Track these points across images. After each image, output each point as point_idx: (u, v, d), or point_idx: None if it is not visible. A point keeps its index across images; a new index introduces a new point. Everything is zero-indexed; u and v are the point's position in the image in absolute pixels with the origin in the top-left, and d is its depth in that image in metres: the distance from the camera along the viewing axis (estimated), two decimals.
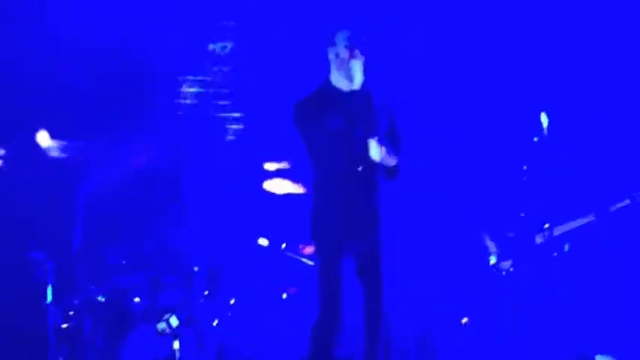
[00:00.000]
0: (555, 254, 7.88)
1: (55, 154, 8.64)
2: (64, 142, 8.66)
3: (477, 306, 8.24)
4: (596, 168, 8.29)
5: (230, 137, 9.04)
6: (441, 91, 8.78)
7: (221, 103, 9.10)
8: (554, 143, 7.90)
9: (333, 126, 6.07)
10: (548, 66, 8.63)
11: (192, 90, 9.06)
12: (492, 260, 8.14)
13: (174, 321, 7.61)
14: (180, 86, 9.03)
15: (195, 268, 8.02)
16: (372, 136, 6.03)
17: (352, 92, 6.12)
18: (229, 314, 8.03)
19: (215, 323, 7.93)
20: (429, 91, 8.76)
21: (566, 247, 7.99)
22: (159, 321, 7.65)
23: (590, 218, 7.92)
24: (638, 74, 8.51)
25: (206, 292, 8.03)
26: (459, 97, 8.77)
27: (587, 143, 8.35)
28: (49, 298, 7.67)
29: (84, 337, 7.85)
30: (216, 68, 9.09)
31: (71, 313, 7.87)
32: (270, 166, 8.71)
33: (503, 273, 8.09)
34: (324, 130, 6.07)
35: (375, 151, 6.03)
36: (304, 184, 8.20)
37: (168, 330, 7.60)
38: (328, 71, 6.25)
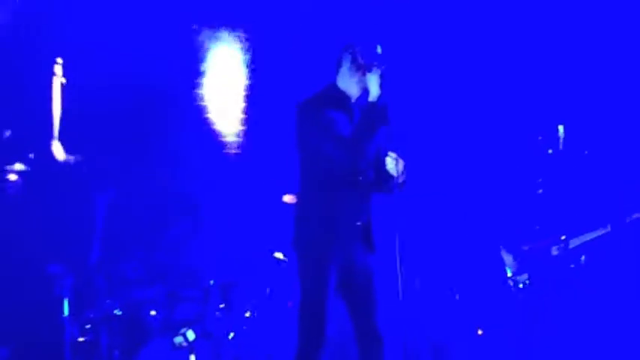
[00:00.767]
0: (572, 266, 7.87)
1: (72, 167, 8.67)
2: (81, 156, 8.69)
3: (492, 318, 8.23)
4: (612, 179, 8.27)
5: (245, 148, 9.05)
6: (457, 102, 8.79)
7: (234, 112, 9.13)
8: (570, 155, 7.91)
9: (339, 131, 5.90)
10: (563, 78, 8.64)
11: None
12: (509, 273, 8.13)
13: (190, 334, 7.60)
14: (197, 97, 9.07)
15: (211, 282, 8.02)
16: (390, 149, 5.95)
17: (371, 104, 5.93)
18: (245, 327, 8.02)
19: (231, 336, 7.93)
20: (445, 102, 8.77)
21: (583, 259, 7.97)
22: (175, 334, 7.65)
23: (607, 229, 7.90)
24: None
25: (222, 306, 8.03)
26: (475, 108, 8.78)
27: (603, 154, 8.34)
28: (66, 311, 7.68)
29: (101, 351, 7.85)
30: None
31: (88, 326, 7.87)
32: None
33: (520, 285, 8.07)
34: (328, 134, 5.90)
35: (393, 164, 5.93)
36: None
37: (185, 343, 7.59)
38: (334, 75, 6.12)
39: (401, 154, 5.94)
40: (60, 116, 8.58)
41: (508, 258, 8.16)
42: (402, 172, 5.94)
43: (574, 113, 8.31)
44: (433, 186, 8.17)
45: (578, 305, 7.83)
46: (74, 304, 7.72)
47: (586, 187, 8.23)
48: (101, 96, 8.45)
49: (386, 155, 5.99)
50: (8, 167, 8.60)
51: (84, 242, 8.03)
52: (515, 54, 8.81)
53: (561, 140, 8.00)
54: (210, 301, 7.98)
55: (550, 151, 7.99)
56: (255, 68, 9.13)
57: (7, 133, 8.60)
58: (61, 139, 8.65)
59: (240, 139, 9.13)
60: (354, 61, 6.03)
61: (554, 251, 7.95)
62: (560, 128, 7.99)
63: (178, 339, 7.61)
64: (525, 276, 8.07)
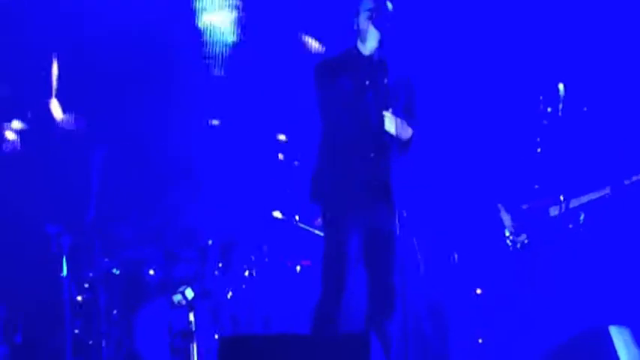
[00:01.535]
0: (570, 226, 7.86)
1: (69, 126, 8.64)
2: (78, 115, 8.66)
3: (491, 278, 8.24)
4: (612, 141, 8.24)
5: (242, 110, 9.01)
6: (456, 60, 8.73)
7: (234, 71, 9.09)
8: (569, 115, 7.87)
9: (343, 86, 6.09)
10: (563, 35, 8.57)
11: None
12: (507, 232, 8.13)
13: (189, 293, 7.60)
14: (196, 64, 9.01)
15: (210, 242, 8.03)
16: (386, 107, 6.02)
17: (368, 58, 6.16)
18: (243, 287, 8.04)
19: (229, 296, 7.95)
20: (444, 60, 8.71)
21: (581, 219, 7.96)
22: (174, 293, 7.66)
23: (606, 191, 7.89)
24: None
25: (220, 265, 8.04)
26: (475, 67, 8.73)
27: (603, 115, 8.30)
28: (65, 270, 7.70)
29: (99, 310, 7.88)
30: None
31: (86, 285, 7.90)
32: (282, 137, 8.68)
33: (518, 245, 8.07)
34: (336, 89, 6.10)
35: (389, 122, 6.01)
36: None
37: (183, 302, 7.60)
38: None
39: (396, 113, 6.02)
40: (58, 75, 8.54)
41: (507, 217, 8.15)
42: (405, 130, 6.07)
43: (575, 73, 8.25)
44: (431, 145, 8.13)
45: (576, 265, 7.83)
46: (73, 263, 7.73)
47: (586, 147, 8.20)
48: (100, 55, 8.41)
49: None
50: (6, 125, 8.58)
51: (82, 201, 8.02)
52: (514, 12, 8.73)
53: (561, 99, 7.95)
54: (209, 261, 8.00)
55: (549, 110, 7.94)
56: (258, 24, 9.07)
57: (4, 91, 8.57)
58: (58, 97, 8.62)
59: (240, 99, 9.09)
60: (360, 23, 6.19)
61: (553, 211, 7.94)
62: (561, 87, 7.94)
63: (177, 297, 7.60)
64: (524, 236, 8.07)
